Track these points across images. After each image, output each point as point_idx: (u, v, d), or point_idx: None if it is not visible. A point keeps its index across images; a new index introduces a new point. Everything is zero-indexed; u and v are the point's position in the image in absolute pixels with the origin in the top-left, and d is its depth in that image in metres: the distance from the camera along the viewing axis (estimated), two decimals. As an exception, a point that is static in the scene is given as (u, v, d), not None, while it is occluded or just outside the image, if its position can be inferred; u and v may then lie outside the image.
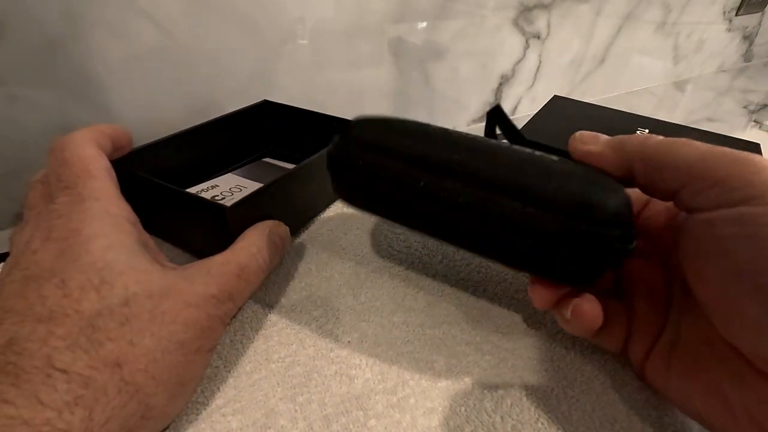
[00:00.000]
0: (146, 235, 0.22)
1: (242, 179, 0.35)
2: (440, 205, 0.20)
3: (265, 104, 0.38)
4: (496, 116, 0.29)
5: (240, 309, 0.25)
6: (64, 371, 0.15)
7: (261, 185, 0.30)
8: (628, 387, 0.22)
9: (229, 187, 0.33)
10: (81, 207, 0.19)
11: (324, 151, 0.30)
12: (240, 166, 0.38)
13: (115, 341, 0.16)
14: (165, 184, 0.25)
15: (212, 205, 0.24)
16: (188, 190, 0.32)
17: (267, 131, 0.39)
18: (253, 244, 0.23)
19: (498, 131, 0.31)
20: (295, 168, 0.28)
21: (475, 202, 0.19)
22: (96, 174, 0.20)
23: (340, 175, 0.23)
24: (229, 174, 0.36)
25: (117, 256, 0.18)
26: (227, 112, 0.35)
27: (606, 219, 0.18)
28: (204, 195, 0.32)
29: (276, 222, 0.25)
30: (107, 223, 0.19)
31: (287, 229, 0.26)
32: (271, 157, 0.39)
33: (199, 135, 0.33)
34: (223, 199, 0.32)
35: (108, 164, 0.22)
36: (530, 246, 0.19)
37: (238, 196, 0.32)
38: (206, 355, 0.19)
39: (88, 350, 0.16)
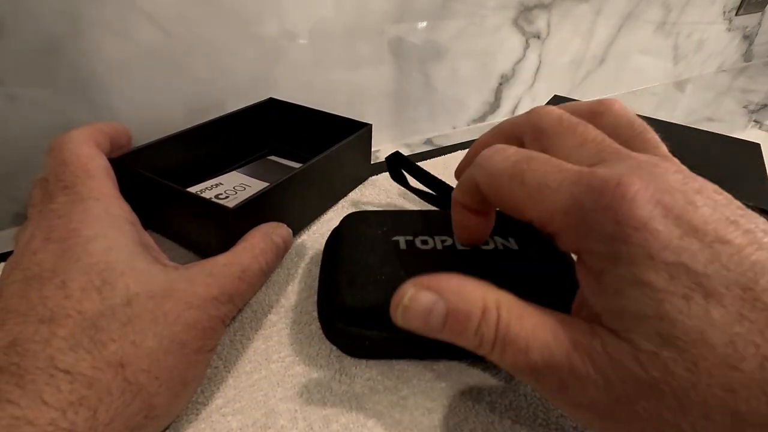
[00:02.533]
0: (146, 235, 0.22)
1: (246, 177, 0.35)
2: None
3: (271, 102, 0.38)
4: (397, 162, 0.31)
5: (240, 310, 0.25)
6: (67, 372, 0.15)
7: (265, 184, 0.30)
8: (627, 387, 0.22)
9: (233, 186, 0.33)
10: (81, 207, 0.19)
11: (328, 153, 0.30)
12: (245, 164, 0.37)
13: (118, 342, 0.16)
14: (168, 184, 0.25)
15: (216, 206, 0.23)
16: (191, 188, 0.32)
17: (272, 129, 0.39)
18: (255, 246, 0.23)
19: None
20: (298, 169, 0.28)
21: None
22: (95, 173, 0.20)
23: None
24: (234, 172, 0.36)
25: (118, 257, 0.18)
26: (232, 110, 0.35)
27: None
28: (207, 193, 0.32)
29: (278, 224, 0.25)
30: (107, 223, 0.19)
31: (290, 231, 0.26)
32: (276, 155, 0.39)
33: (204, 133, 0.33)
34: (226, 198, 0.32)
35: (107, 163, 0.22)
36: None
37: (241, 195, 0.32)
38: (207, 355, 0.19)
39: (90, 351, 0.16)
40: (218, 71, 0.37)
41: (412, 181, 0.33)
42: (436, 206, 0.33)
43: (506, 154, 0.18)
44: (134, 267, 0.18)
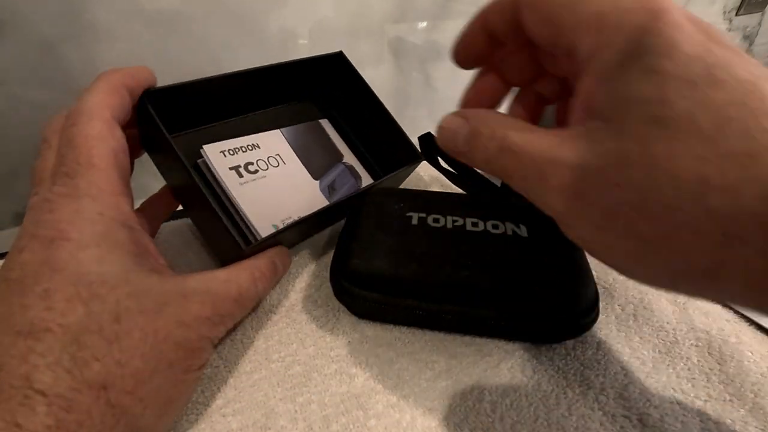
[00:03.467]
0: (145, 237, 0.21)
1: (286, 146, 0.31)
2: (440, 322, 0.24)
3: (339, 56, 0.33)
4: (429, 142, 0.32)
5: (229, 331, 0.24)
6: (43, 393, 0.14)
7: (299, 165, 0.29)
8: (627, 388, 0.22)
9: (267, 156, 0.30)
10: (75, 205, 0.18)
11: (344, 198, 0.28)
12: (295, 121, 0.33)
13: (102, 361, 0.15)
14: (204, 192, 0.23)
15: (233, 239, 0.22)
16: (228, 141, 0.29)
17: (335, 85, 0.35)
18: (257, 268, 0.22)
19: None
20: (317, 211, 0.26)
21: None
22: (97, 162, 0.19)
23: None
24: (277, 132, 0.32)
25: (110, 269, 0.17)
26: (299, 57, 0.32)
27: (582, 311, 0.22)
28: (239, 156, 0.29)
29: (281, 248, 0.25)
30: (100, 229, 0.18)
31: (289, 255, 0.26)
32: (330, 119, 0.36)
33: (263, 75, 0.31)
34: (255, 172, 0.29)
35: (117, 145, 0.20)
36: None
37: (271, 174, 0.29)
38: (195, 374, 0.19)
39: (70, 370, 0.15)
40: (218, 71, 0.37)
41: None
42: (464, 189, 0.34)
43: None
44: (128, 280, 0.17)
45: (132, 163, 0.25)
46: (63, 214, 0.17)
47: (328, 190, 0.30)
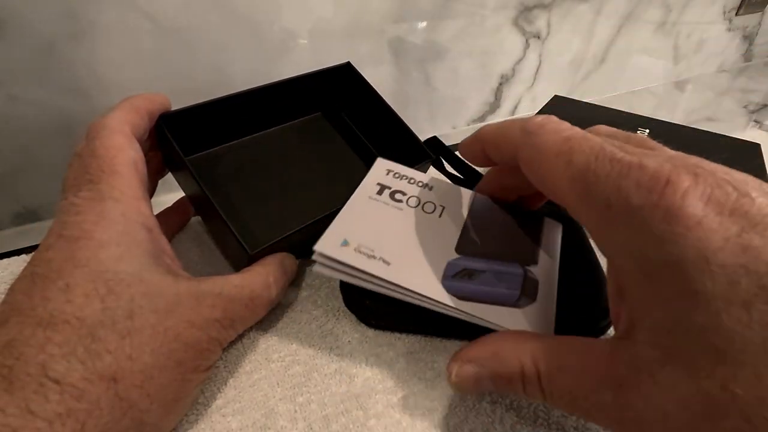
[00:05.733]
0: (163, 240, 0.21)
1: (459, 209, 0.26)
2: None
3: (348, 67, 0.34)
4: (434, 146, 0.32)
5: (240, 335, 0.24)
6: (57, 382, 0.15)
7: (454, 229, 0.24)
8: (627, 387, 0.22)
9: (427, 200, 0.24)
10: (99, 207, 0.19)
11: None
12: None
13: (114, 354, 0.16)
14: (211, 199, 0.23)
15: (239, 244, 0.23)
16: (403, 167, 0.26)
17: (341, 97, 0.35)
18: (270, 274, 0.22)
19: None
20: (324, 215, 0.25)
21: None
22: (120, 169, 0.20)
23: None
24: (467, 193, 0.26)
25: (127, 267, 0.18)
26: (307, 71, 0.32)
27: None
28: (402, 182, 0.25)
29: (287, 254, 0.25)
30: (122, 228, 0.19)
31: (295, 260, 0.26)
32: (339, 126, 0.36)
33: (276, 90, 0.31)
34: (398, 201, 0.24)
35: (136, 155, 0.21)
36: None
37: (407, 213, 0.25)
38: (203, 374, 0.19)
39: (84, 361, 0.15)
40: (218, 71, 0.37)
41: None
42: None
43: (561, 127, 0.17)
44: (143, 279, 0.18)
45: (155, 183, 0.27)
46: (88, 216, 0.18)
47: (459, 274, 0.21)
